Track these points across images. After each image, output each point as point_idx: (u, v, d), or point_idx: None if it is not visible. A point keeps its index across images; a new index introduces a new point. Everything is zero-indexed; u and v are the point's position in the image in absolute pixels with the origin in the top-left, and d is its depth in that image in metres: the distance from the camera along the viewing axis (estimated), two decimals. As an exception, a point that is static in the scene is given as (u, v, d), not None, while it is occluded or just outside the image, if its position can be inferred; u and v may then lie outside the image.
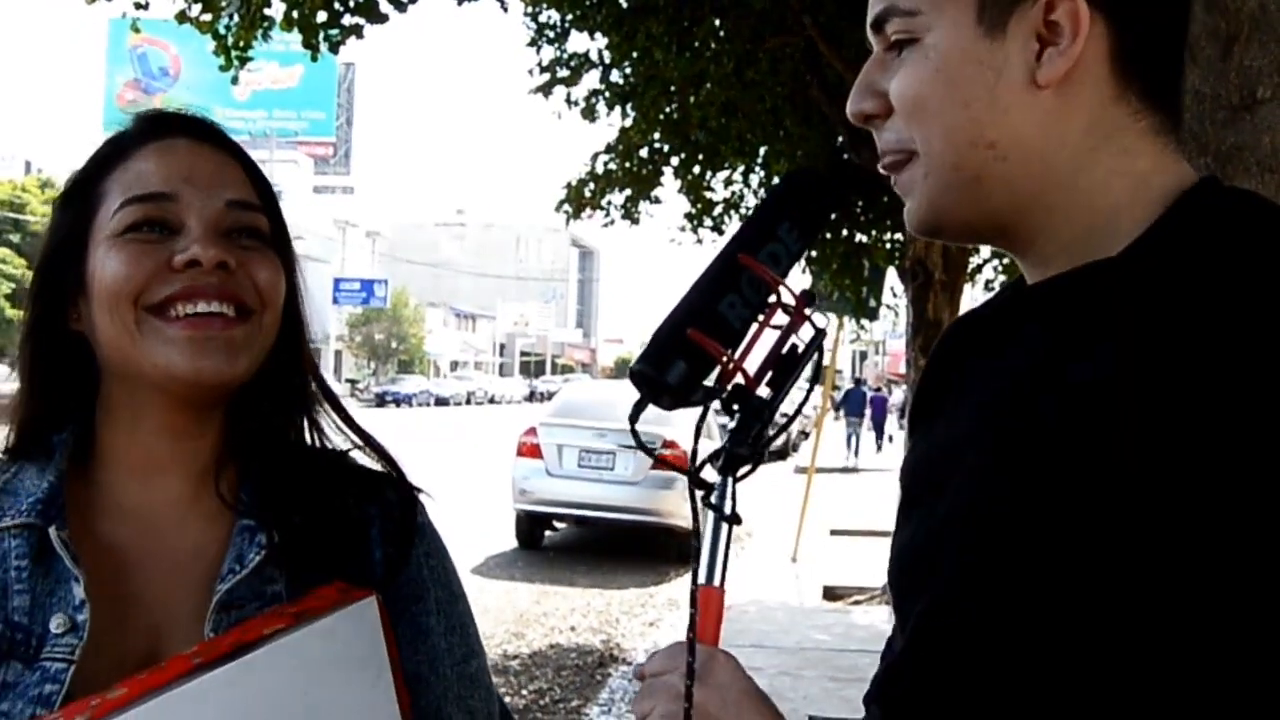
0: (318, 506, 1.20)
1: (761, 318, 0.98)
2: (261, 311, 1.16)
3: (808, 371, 0.99)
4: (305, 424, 1.25)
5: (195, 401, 1.16)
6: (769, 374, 0.98)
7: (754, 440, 0.97)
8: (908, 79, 0.95)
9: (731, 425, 0.98)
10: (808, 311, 0.99)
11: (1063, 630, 0.81)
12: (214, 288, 1.12)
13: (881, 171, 1.00)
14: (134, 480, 1.18)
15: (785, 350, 0.99)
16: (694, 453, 0.98)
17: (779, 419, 1.00)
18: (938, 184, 0.95)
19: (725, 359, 0.96)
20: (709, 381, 0.97)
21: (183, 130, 1.19)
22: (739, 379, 0.97)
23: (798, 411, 1.11)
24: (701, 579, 0.96)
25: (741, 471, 0.98)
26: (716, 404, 0.98)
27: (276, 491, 1.19)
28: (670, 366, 0.95)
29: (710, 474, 0.99)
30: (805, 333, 0.99)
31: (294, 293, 1.22)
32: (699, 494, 0.98)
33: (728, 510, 0.97)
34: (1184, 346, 0.80)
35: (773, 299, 0.98)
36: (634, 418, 1.00)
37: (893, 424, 31.44)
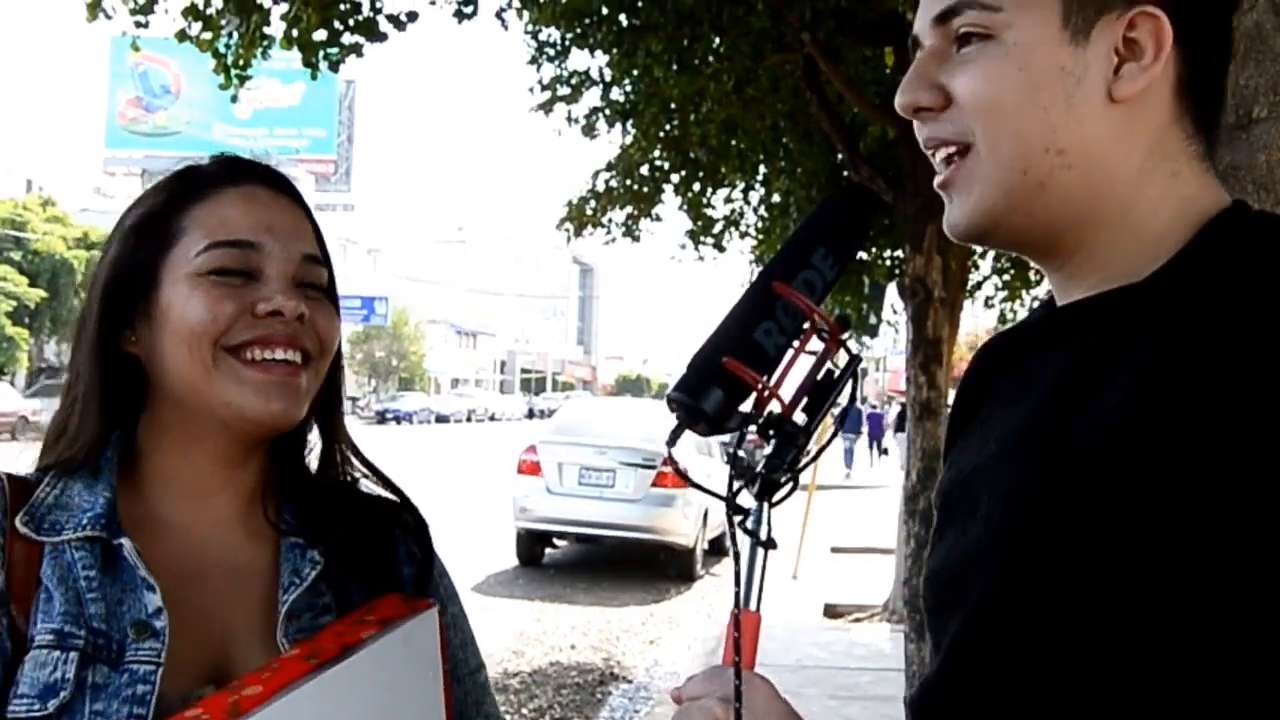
0: (354, 526, 1.30)
1: (797, 344, 0.99)
2: (319, 359, 1.25)
3: (843, 398, 1.00)
4: (337, 454, 1.35)
5: (248, 435, 1.23)
6: (804, 400, 1.00)
7: (789, 465, 0.97)
8: (985, 76, 0.94)
9: (768, 451, 0.99)
10: (843, 337, 1.00)
11: (1095, 649, 0.81)
12: (287, 336, 1.21)
13: (937, 169, 0.98)
14: (185, 500, 1.25)
15: (820, 376, 1.00)
16: (730, 479, 0.99)
17: (813, 446, 1.01)
18: (999, 186, 0.95)
19: (760, 386, 0.97)
20: (746, 407, 0.98)
21: (260, 179, 1.27)
22: (775, 405, 0.98)
23: (833, 437, 1.11)
24: (742, 605, 0.97)
25: (777, 496, 0.99)
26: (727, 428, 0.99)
27: (316, 513, 1.28)
28: (707, 394, 0.96)
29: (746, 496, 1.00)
30: (840, 358, 1.01)
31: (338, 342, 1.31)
32: (735, 519, 0.98)
33: (764, 535, 0.98)
34: (1211, 370, 0.81)
35: (807, 325, 0.99)
36: (671, 442, 1.00)
37: (888, 438, 31.81)
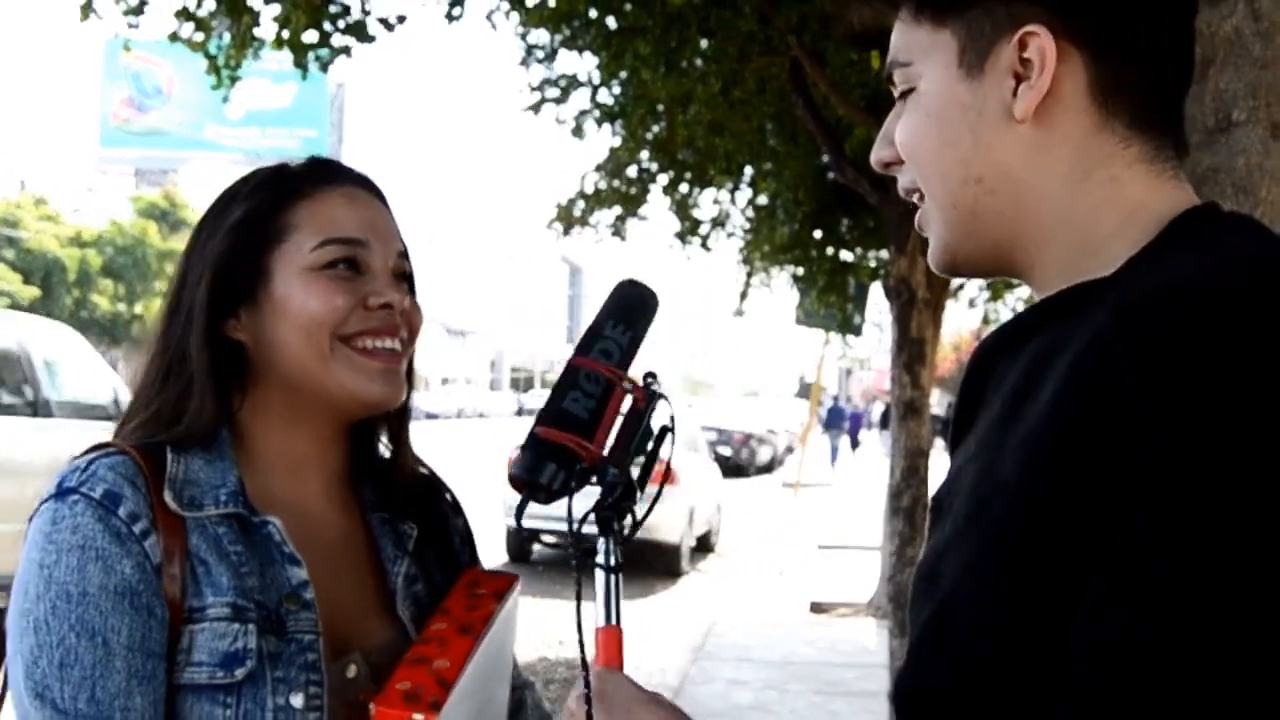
0: (424, 503, 1.45)
1: (612, 402, 1.12)
2: (411, 345, 1.36)
3: (670, 436, 1.15)
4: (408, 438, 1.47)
5: (354, 416, 1.36)
6: (628, 445, 1.12)
7: (615, 505, 1.10)
8: (906, 126, 1.02)
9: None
10: (650, 386, 1.14)
11: (1038, 641, 0.82)
12: (394, 326, 1.32)
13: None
14: (286, 477, 1.33)
15: (639, 424, 1.13)
16: (569, 523, 1.11)
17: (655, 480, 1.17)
18: (942, 222, 1.02)
19: (577, 444, 1.08)
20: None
21: (355, 181, 1.38)
22: (603, 455, 1.10)
23: (663, 484, 1.20)
24: (600, 622, 1.10)
25: (627, 527, 1.12)
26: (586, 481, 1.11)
27: (394, 491, 1.41)
28: (542, 469, 1.08)
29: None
30: (663, 410, 1.15)
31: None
32: (602, 552, 1.12)
33: (611, 563, 1.11)
34: (1123, 351, 0.81)
35: (625, 386, 1.12)
36: (518, 517, 1.21)
37: (865, 434, 34.44)
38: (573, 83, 8.48)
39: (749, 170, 9.28)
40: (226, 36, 6.68)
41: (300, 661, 1.21)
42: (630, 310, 1.18)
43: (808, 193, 8.97)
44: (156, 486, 1.22)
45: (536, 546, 13.28)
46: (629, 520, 1.12)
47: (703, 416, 24.50)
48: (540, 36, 8.21)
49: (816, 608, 10.46)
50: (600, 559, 1.11)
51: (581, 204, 9.66)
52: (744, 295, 11.17)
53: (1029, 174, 0.98)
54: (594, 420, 1.10)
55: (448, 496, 1.51)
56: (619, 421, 1.12)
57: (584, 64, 9.57)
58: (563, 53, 8.32)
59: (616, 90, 8.31)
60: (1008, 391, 0.94)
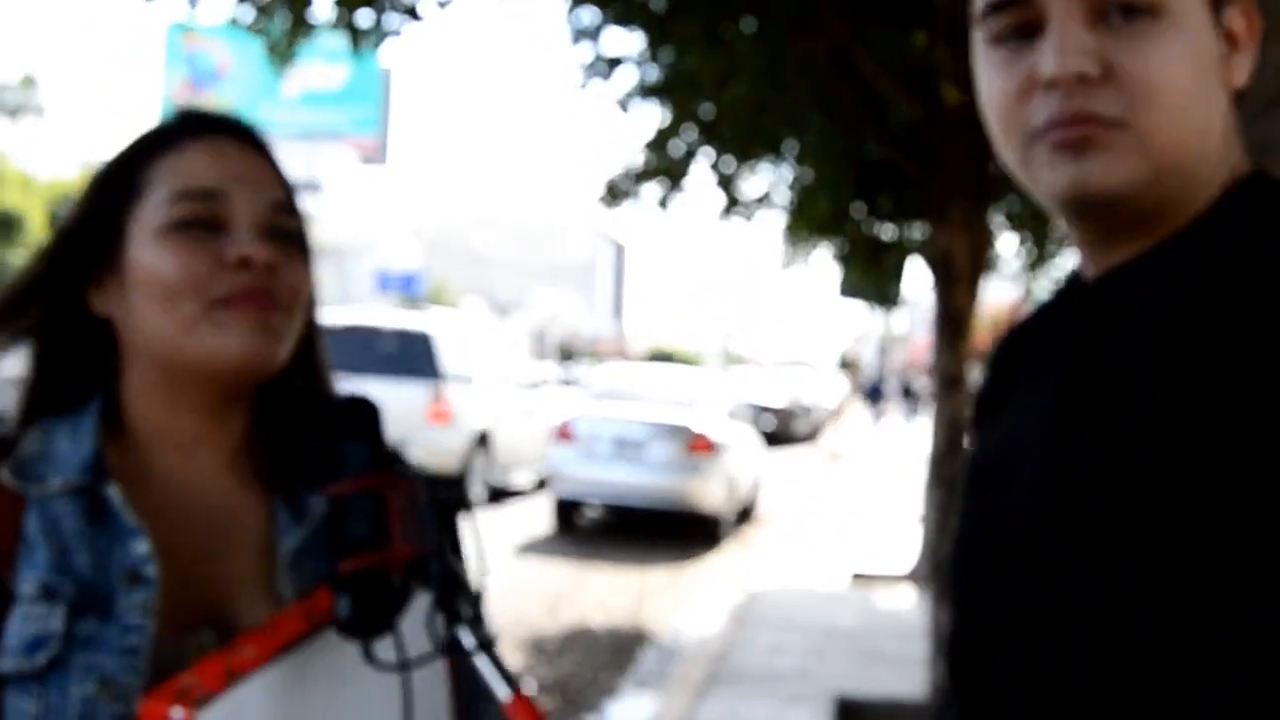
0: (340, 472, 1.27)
1: (390, 506, 1.05)
2: (293, 309, 1.21)
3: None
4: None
5: (235, 385, 1.21)
6: (431, 530, 1.07)
7: (454, 589, 1.04)
8: (1165, 59, 0.88)
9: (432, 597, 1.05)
10: (401, 468, 1.11)
11: (1177, 625, 0.79)
12: (262, 289, 1.17)
13: (1062, 130, 0.91)
14: (170, 453, 1.22)
15: (425, 507, 1.07)
16: (401, 662, 1.06)
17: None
18: (1151, 169, 0.89)
19: (380, 560, 1.03)
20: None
21: (230, 132, 1.23)
22: (413, 555, 1.04)
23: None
24: (505, 698, 1.00)
25: (476, 600, 1.06)
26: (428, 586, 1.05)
27: (305, 464, 1.23)
28: (367, 605, 1.03)
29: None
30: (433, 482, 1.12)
31: (312, 292, 1.28)
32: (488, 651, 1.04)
33: (476, 643, 1.03)
34: (1222, 324, 0.80)
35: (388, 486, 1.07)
36: (369, 659, 1.04)
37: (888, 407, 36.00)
38: (619, 62, 8.58)
39: (792, 148, 9.35)
40: (283, 19, 6.84)
41: (119, 646, 1.08)
42: (357, 423, 1.12)
43: (850, 169, 9.03)
44: None
45: (584, 513, 13.46)
46: (474, 597, 1.06)
47: (744, 388, 24.55)
48: (588, 16, 8.32)
49: (857, 576, 10.55)
50: (468, 644, 1.03)
51: (628, 179, 9.78)
52: (786, 269, 11.23)
53: (1223, 145, 0.93)
54: (381, 531, 1.04)
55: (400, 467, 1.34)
56: (410, 518, 1.05)
57: (631, 43, 9.65)
58: (611, 29, 8.42)
59: (662, 69, 8.41)
60: (1072, 366, 0.90)
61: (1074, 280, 1.01)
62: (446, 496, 1.13)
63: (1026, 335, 1.04)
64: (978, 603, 0.97)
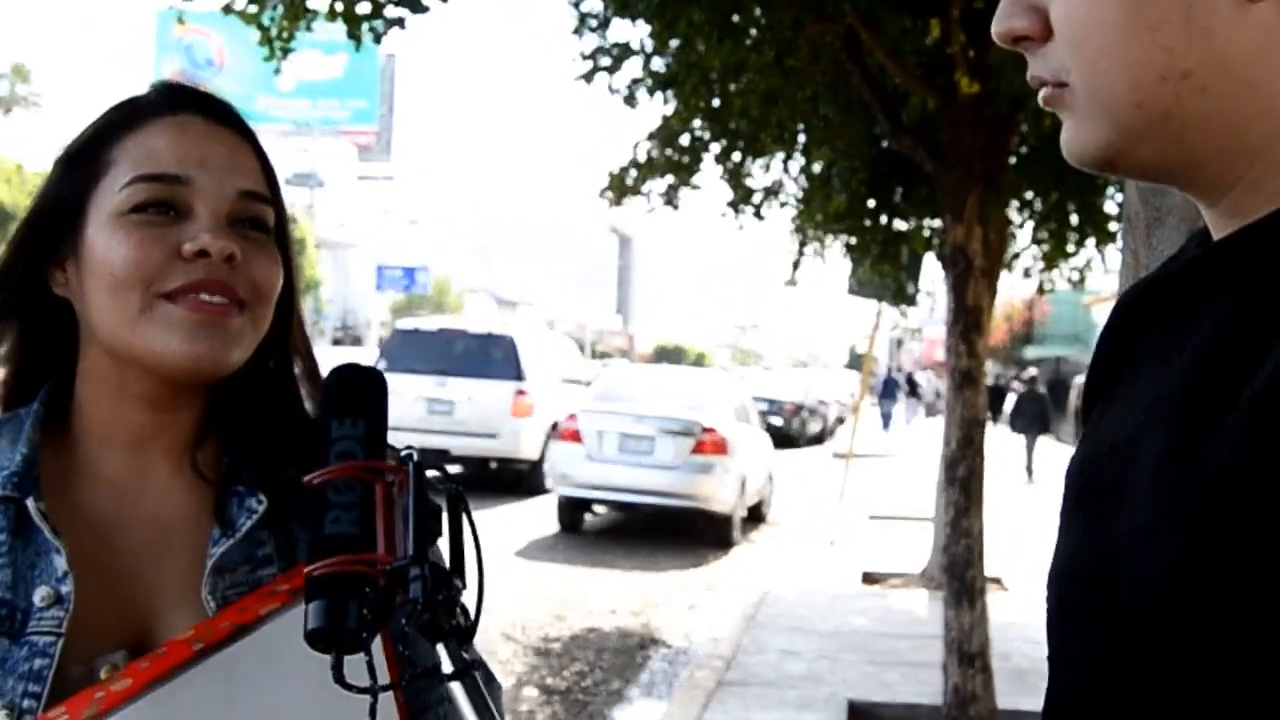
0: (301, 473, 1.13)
1: (377, 500, 0.93)
2: (255, 305, 1.13)
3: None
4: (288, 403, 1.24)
5: (185, 382, 1.14)
6: (419, 533, 0.91)
7: (439, 599, 0.88)
8: (1077, 2, 0.77)
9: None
10: (407, 460, 0.94)
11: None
12: (219, 282, 1.09)
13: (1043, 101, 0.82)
14: (116, 451, 1.15)
15: (421, 505, 0.93)
16: (398, 668, 0.96)
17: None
18: (1110, 123, 0.78)
19: (360, 564, 0.89)
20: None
21: (199, 108, 1.16)
22: (397, 559, 0.90)
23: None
24: None
25: (460, 615, 0.91)
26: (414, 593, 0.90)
27: (260, 462, 1.17)
28: (345, 612, 0.88)
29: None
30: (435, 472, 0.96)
31: (290, 283, 1.20)
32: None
33: (462, 665, 0.89)
34: None
35: (390, 478, 0.94)
36: (338, 679, 0.86)
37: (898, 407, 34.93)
38: (625, 51, 8.44)
39: (802, 139, 9.21)
40: (280, 8, 6.69)
41: (24, 669, 1.02)
42: (352, 399, 0.98)
43: (862, 161, 8.90)
44: None
45: (588, 516, 13.36)
46: (460, 611, 0.91)
47: (754, 387, 24.50)
48: (593, 4, 8.19)
49: (869, 578, 10.47)
50: (446, 669, 0.88)
51: (634, 173, 9.63)
52: (796, 265, 11.11)
53: (1258, 68, 0.75)
54: (366, 530, 0.91)
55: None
56: (398, 515, 0.92)
57: (637, 33, 9.51)
58: (615, 21, 8.29)
59: (669, 59, 8.26)
60: (1200, 357, 0.76)
61: (1200, 241, 0.86)
62: (444, 487, 0.96)
63: (1143, 311, 0.87)
64: (1078, 661, 0.81)
